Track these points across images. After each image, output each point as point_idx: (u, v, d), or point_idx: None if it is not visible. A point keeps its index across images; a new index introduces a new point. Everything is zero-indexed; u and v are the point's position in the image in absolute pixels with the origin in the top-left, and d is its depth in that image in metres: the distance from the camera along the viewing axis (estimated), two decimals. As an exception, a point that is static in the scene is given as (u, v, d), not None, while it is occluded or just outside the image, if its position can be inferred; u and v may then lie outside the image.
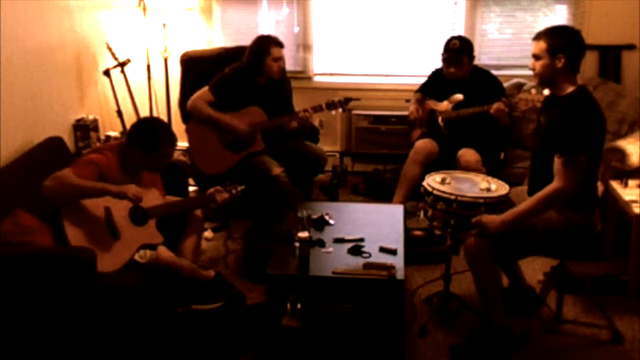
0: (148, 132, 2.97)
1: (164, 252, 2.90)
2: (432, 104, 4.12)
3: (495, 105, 3.67)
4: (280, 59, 3.89)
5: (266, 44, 3.87)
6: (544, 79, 2.76)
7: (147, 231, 2.90)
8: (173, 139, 3.03)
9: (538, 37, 2.73)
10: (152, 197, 2.99)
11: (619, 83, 4.54)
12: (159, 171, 3.14)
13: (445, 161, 3.80)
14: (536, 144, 2.87)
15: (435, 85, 4.17)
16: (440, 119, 4.01)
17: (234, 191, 3.18)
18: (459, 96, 3.94)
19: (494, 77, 4.02)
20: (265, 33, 4.15)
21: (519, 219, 2.65)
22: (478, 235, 2.68)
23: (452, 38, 3.96)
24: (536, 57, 2.73)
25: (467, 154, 3.83)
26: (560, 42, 2.66)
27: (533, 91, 3.44)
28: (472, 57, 3.97)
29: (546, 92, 3.01)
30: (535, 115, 4.25)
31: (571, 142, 2.58)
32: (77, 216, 2.74)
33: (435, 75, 4.20)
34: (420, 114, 4.15)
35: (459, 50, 3.89)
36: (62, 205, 2.71)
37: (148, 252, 2.86)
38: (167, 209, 3.03)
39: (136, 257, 2.83)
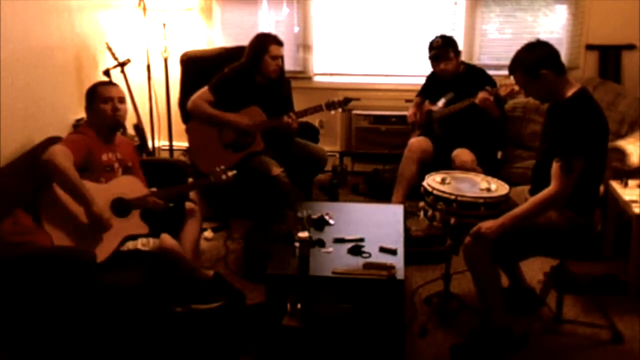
0: (88, 91, 3.12)
1: (167, 239, 2.91)
2: (428, 105, 4.16)
3: (480, 95, 3.72)
4: (278, 57, 3.88)
5: (265, 41, 3.87)
6: (545, 98, 2.79)
7: (131, 222, 2.92)
8: (105, 81, 3.20)
9: (512, 71, 2.75)
10: (134, 188, 3.01)
11: (619, 83, 4.54)
12: (118, 123, 3.10)
13: (440, 161, 3.81)
14: (541, 147, 2.87)
15: (431, 87, 4.22)
16: (434, 118, 4.05)
17: (223, 176, 3.20)
18: (450, 94, 3.99)
19: (487, 74, 4.04)
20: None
21: (517, 222, 2.66)
22: (476, 236, 2.69)
23: (435, 37, 4.03)
24: (524, 87, 2.75)
25: (462, 154, 3.84)
26: (531, 60, 2.66)
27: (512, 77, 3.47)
28: (457, 52, 4.02)
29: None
30: (534, 116, 4.31)
31: (568, 148, 2.59)
32: (56, 213, 2.77)
33: (431, 77, 4.25)
34: (418, 117, 4.19)
35: (442, 45, 3.96)
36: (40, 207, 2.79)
37: (151, 240, 2.88)
38: (149, 199, 3.01)
39: (139, 245, 2.84)
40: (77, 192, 2.75)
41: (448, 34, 4.10)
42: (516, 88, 3.43)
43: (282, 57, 3.94)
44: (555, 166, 2.61)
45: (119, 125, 3.13)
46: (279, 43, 3.90)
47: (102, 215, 2.79)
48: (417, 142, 4.06)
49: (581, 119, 2.62)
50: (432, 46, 4.00)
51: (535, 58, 2.66)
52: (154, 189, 3.09)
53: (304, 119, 4.14)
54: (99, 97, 3.05)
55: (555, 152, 2.62)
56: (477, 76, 4.01)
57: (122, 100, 3.10)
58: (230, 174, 3.23)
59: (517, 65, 2.71)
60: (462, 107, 3.87)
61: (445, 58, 3.95)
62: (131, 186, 3.01)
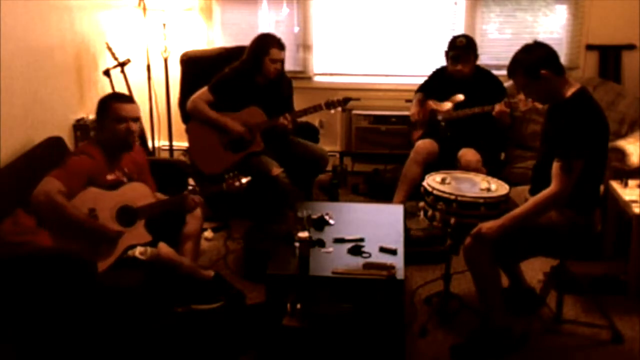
0: (100, 103, 2.97)
1: (164, 247, 2.90)
2: (433, 104, 4.12)
3: (498, 107, 3.69)
4: (278, 61, 3.87)
5: (266, 44, 3.86)
6: (544, 99, 2.80)
7: (136, 231, 2.88)
8: (122, 96, 3.03)
9: (511, 74, 2.74)
10: (143, 195, 2.97)
11: (619, 83, 4.54)
12: (131, 143, 3.01)
13: (445, 161, 3.80)
14: (541, 147, 2.87)
15: (437, 85, 4.17)
16: (441, 119, 4.02)
17: (237, 183, 3.12)
18: (460, 96, 3.96)
19: (496, 78, 4.03)
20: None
21: (518, 222, 2.66)
22: (476, 236, 2.69)
23: (458, 36, 3.98)
24: (523, 89, 2.76)
25: (468, 154, 3.83)
26: (532, 62, 2.66)
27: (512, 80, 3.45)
28: (477, 55, 3.99)
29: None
30: (535, 116, 4.31)
31: (568, 148, 2.59)
32: (58, 221, 2.73)
33: (437, 74, 4.20)
34: (422, 116, 4.15)
35: (466, 47, 3.91)
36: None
37: (149, 249, 2.86)
38: (155, 208, 2.97)
39: (137, 254, 2.83)
40: (73, 223, 2.73)
41: (463, 34, 4.06)
42: (539, 106, 3.38)
43: (282, 60, 3.92)
44: (555, 166, 2.61)
45: (130, 147, 2.99)
46: (281, 47, 3.88)
47: (105, 230, 2.78)
48: (424, 144, 4.01)
49: (581, 119, 2.62)
50: (455, 45, 3.93)
51: (534, 59, 2.66)
52: (159, 195, 3.07)
53: (304, 119, 4.15)
54: (112, 115, 2.89)
55: (556, 152, 2.62)
56: (486, 80, 3.99)
57: (136, 119, 2.96)
58: (244, 180, 3.13)
59: (516, 67, 2.71)
60: (474, 113, 3.84)
61: (466, 60, 3.90)
62: (139, 193, 2.96)
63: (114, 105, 2.92)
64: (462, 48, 3.90)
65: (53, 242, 2.71)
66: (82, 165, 2.85)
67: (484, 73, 4.05)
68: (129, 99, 3.05)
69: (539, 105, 3.30)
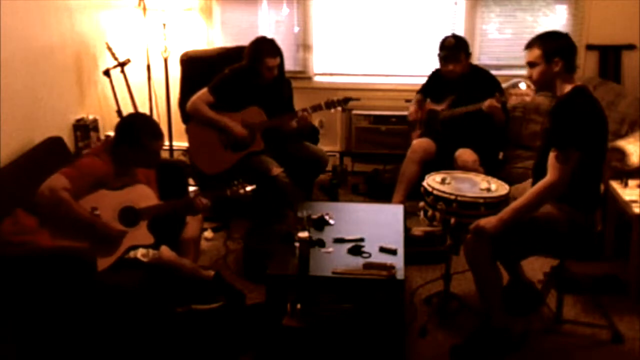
0: (130, 129, 2.96)
1: (166, 251, 2.90)
2: (430, 104, 4.14)
3: (487, 102, 3.70)
4: (272, 67, 3.85)
5: (260, 54, 3.81)
6: (542, 84, 2.80)
7: (138, 232, 2.88)
8: (155, 132, 2.99)
9: (530, 45, 2.76)
10: (146, 197, 2.97)
11: (619, 83, 4.54)
12: (153, 167, 3.11)
13: (442, 161, 3.80)
14: (542, 147, 2.88)
15: (434, 86, 4.19)
16: (438, 118, 4.04)
17: (241, 191, 3.13)
18: (452, 97, 3.98)
19: (492, 76, 4.03)
20: (264, 34, 4.15)
21: (516, 215, 2.66)
22: (477, 235, 2.69)
23: (447, 37, 3.99)
24: (531, 64, 2.76)
25: (465, 154, 3.84)
26: (554, 46, 2.70)
27: (522, 86, 3.48)
28: (468, 54, 3.99)
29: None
30: (534, 115, 4.31)
31: (563, 136, 2.60)
32: (59, 221, 2.73)
33: (434, 75, 4.22)
34: (420, 115, 4.17)
35: (454, 47, 3.92)
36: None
37: (151, 251, 2.86)
38: (159, 209, 2.98)
39: (139, 255, 2.83)
40: (76, 220, 2.73)
41: (458, 33, 4.06)
42: (527, 98, 3.40)
43: (278, 65, 3.89)
44: (551, 156, 2.61)
45: (154, 166, 3.10)
46: (275, 53, 3.84)
47: (107, 229, 2.78)
48: (420, 143, 4.03)
49: (577, 110, 2.63)
50: (444, 45, 3.95)
51: (559, 45, 2.70)
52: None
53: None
54: (148, 151, 2.94)
55: (552, 142, 2.63)
56: (482, 78, 3.99)
57: None
58: (249, 188, 3.14)
59: (539, 43, 2.73)
60: (467, 111, 3.86)
61: (455, 60, 3.91)
62: (141, 195, 2.96)
63: (153, 144, 2.95)
64: (450, 48, 3.92)
65: (53, 241, 2.71)
66: (92, 167, 2.86)
67: (480, 72, 4.06)
68: (161, 132, 3.03)
69: (528, 98, 3.34)
